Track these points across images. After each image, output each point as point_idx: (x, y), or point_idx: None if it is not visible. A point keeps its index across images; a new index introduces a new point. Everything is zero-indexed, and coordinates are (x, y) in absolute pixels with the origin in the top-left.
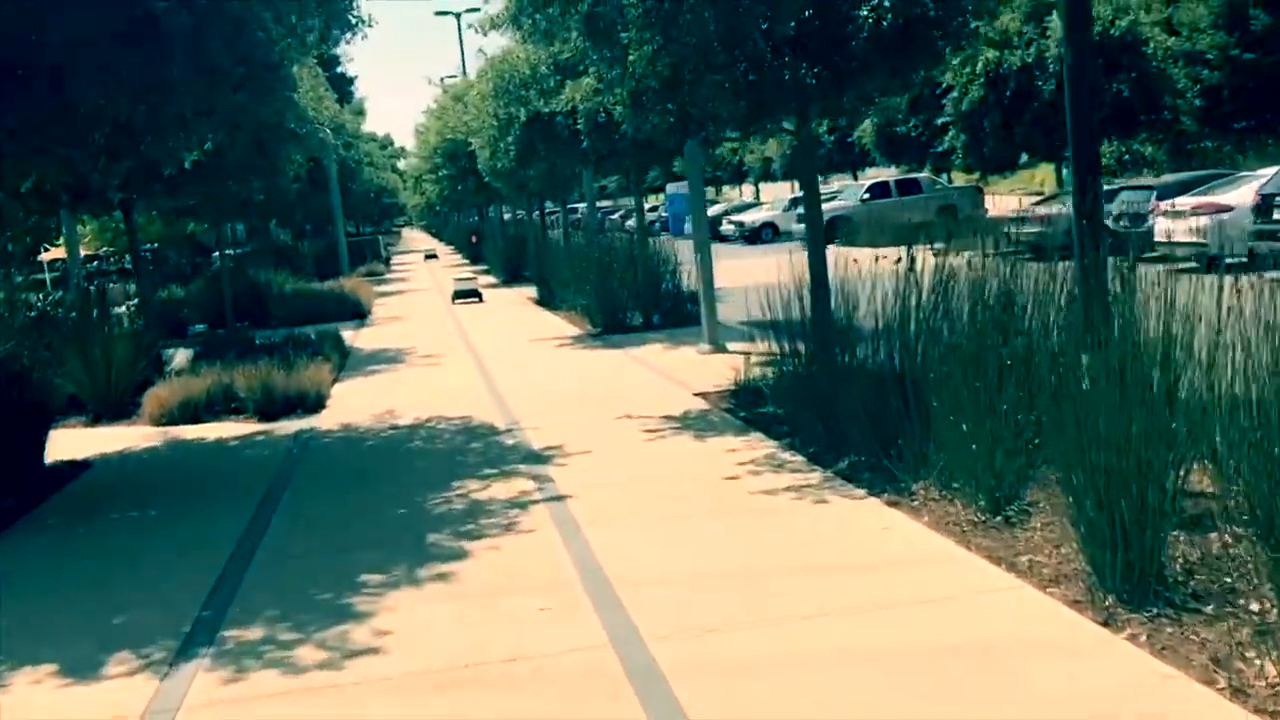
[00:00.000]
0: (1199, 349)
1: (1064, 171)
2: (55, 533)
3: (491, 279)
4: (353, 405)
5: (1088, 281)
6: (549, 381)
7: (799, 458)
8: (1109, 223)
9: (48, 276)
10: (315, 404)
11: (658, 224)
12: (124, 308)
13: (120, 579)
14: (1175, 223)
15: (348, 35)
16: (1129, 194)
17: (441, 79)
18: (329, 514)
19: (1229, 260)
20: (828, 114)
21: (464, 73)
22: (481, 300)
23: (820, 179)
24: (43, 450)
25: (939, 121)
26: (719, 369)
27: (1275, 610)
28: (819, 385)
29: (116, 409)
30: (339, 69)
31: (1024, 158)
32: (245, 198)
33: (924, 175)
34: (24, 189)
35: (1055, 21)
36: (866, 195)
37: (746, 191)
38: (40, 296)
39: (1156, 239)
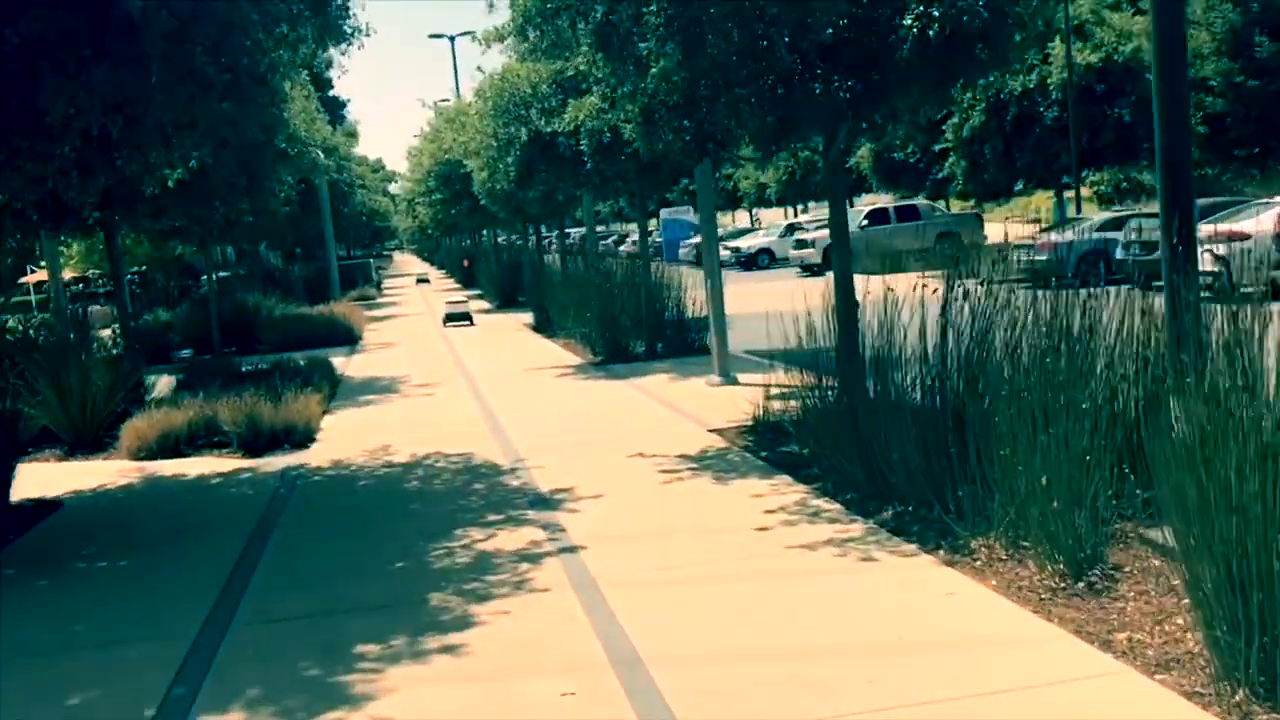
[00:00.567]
0: None
1: (1061, 199)
2: (12, 587)
3: (485, 304)
4: (344, 439)
5: (1178, 317)
6: (552, 415)
7: (835, 505)
8: (1119, 252)
9: (34, 299)
10: (304, 438)
11: (651, 249)
12: (110, 331)
13: (81, 646)
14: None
15: (342, 46)
16: (1140, 221)
17: (435, 102)
18: (319, 566)
19: (1245, 289)
20: (858, 131)
21: (458, 95)
22: (472, 323)
23: (813, 204)
24: (7, 488)
25: (937, 148)
26: (732, 402)
27: None
28: (851, 423)
29: (92, 441)
30: (331, 91)
31: (1019, 184)
32: (234, 219)
33: (921, 201)
34: None
35: (1058, 47)
36: (865, 222)
37: (740, 217)
38: (20, 320)
39: None
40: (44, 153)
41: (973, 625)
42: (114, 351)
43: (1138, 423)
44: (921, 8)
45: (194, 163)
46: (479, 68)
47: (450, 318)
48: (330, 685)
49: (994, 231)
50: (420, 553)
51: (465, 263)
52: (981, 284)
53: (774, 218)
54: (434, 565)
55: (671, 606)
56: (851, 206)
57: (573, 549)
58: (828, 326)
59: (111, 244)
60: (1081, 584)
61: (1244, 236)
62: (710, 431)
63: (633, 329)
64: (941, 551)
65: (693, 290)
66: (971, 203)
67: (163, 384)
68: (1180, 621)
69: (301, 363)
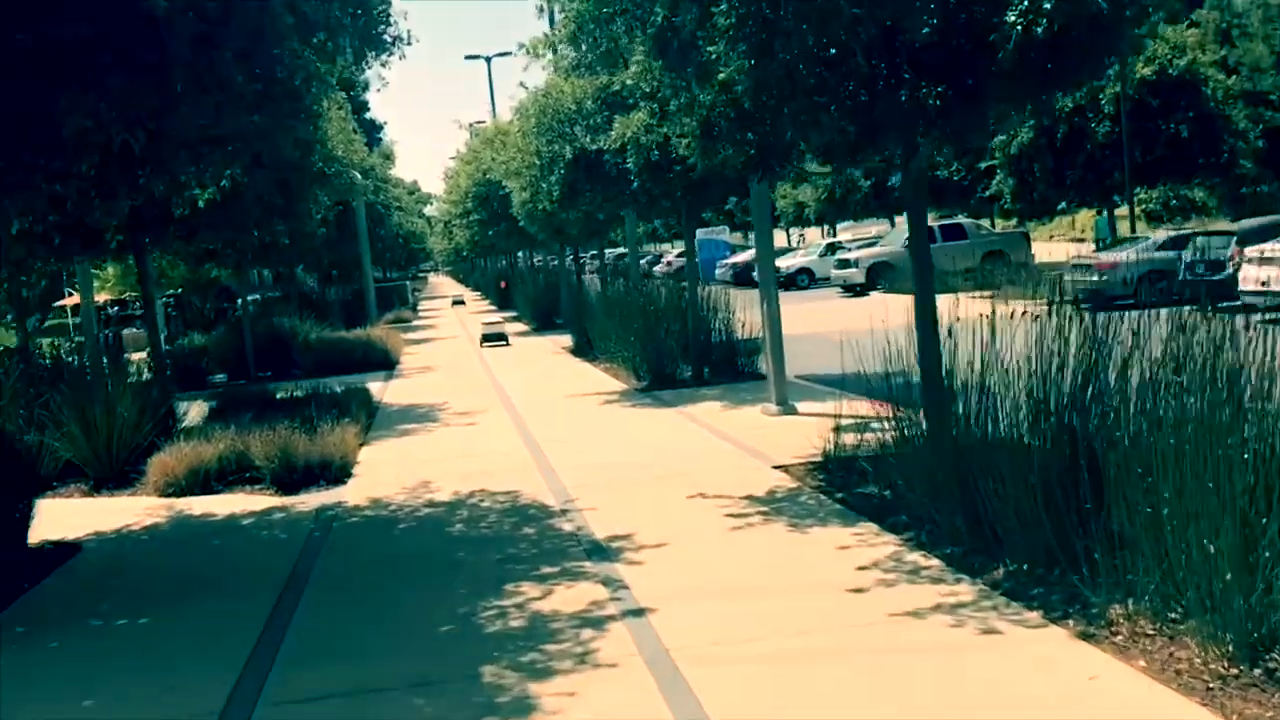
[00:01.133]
0: None
1: (1112, 217)
2: (21, 648)
3: (522, 326)
4: (382, 474)
5: None
6: (600, 447)
7: (933, 561)
8: (1182, 272)
9: (70, 322)
10: (340, 472)
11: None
12: (144, 355)
13: None
14: (1264, 270)
15: (382, 57)
16: (1203, 240)
17: (470, 124)
18: (356, 631)
19: None
20: (944, 142)
21: (494, 116)
22: (508, 343)
23: (853, 223)
24: (25, 529)
25: (982, 165)
26: (795, 434)
27: None
28: (948, 464)
29: (118, 476)
30: (368, 114)
31: (1061, 204)
32: (269, 242)
33: (966, 220)
34: (14, 230)
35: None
36: (909, 241)
37: (778, 237)
38: (51, 345)
39: (1242, 287)
40: (61, 170)
41: None
42: (143, 379)
43: None
44: (1027, 2)
45: (225, 182)
46: (521, 83)
47: (486, 338)
48: None
49: (1040, 250)
50: (469, 613)
51: (501, 284)
52: (1048, 305)
53: (816, 237)
54: (485, 629)
55: (763, 689)
56: (892, 226)
57: (639, 611)
58: (893, 351)
59: (142, 266)
60: (1259, 670)
61: None
62: (775, 468)
63: (678, 353)
64: (1071, 622)
65: (740, 312)
66: (1013, 221)
67: (194, 412)
68: None
69: (338, 390)
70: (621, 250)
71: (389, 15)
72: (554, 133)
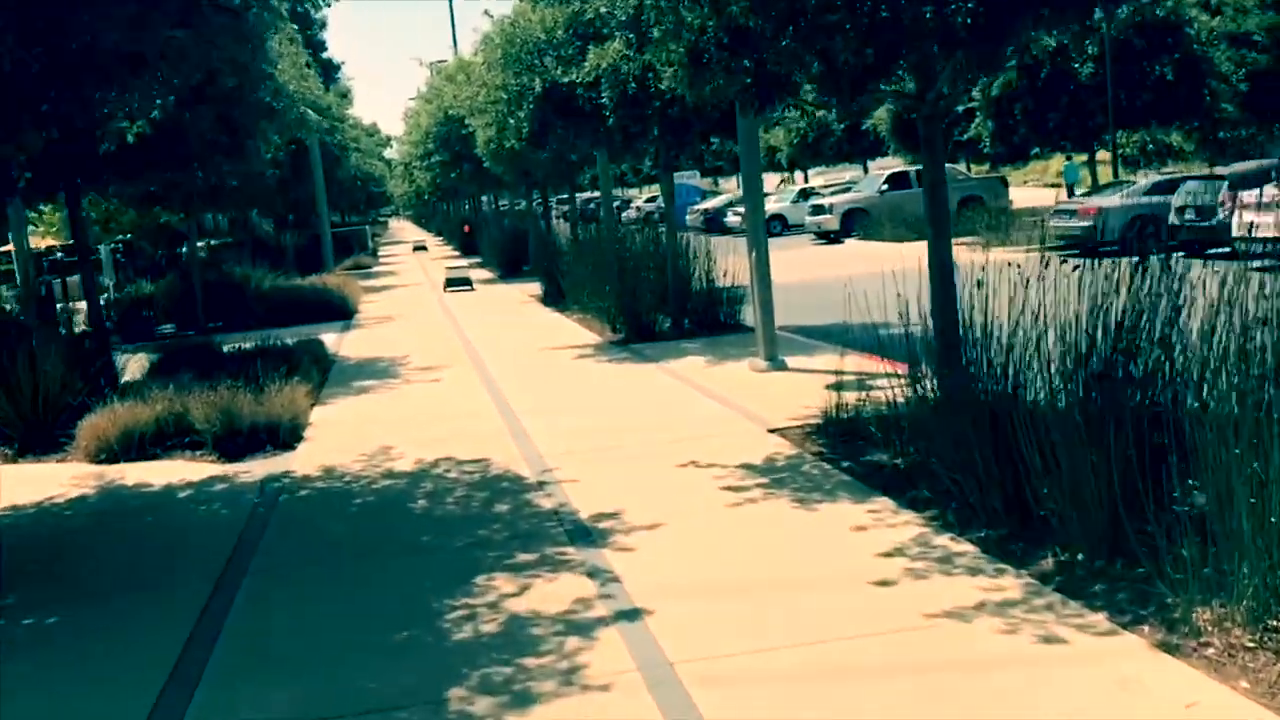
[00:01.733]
0: None
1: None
2: None
3: (488, 273)
4: (337, 438)
5: None
6: (577, 407)
7: (966, 545)
8: (1172, 217)
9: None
10: (290, 436)
11: (656, 214)
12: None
13: None
14: (1263, 216)
15: None
16: (1193, 184)
17: (433, 62)
18: (302, 634)
19: None
20: (970, 68)
21: (456, 52)
22: (472, 288)
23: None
24: None
25: (960, 108)
26: (787, 393)
27: None
28: (985, 432)
29: (46, 439)
30: (325, 54)
31: (1036, 149)
32: (215, 183)
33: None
34: None
35: None
36: (885, 186)
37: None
38: None
39: (1235, 233)
40: None
41: None
42: (77, 331)
43: None
44: None
45: (156, 114)
46: (486, 11)
47: (450, 282)
48: None
49: (1015, 196)
50: (434, 614)
51: (465, 229)
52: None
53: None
54: (453, 636)
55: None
56: (866, 171)
57: (633, 613)
58: (896, 301)
59: (74, 209)
60: None
61: None
62: (771, 432)
63: (656, 303)
64: (1147, 628)
65: (721, 260)
66: (986, 166)
67: (136, 366)
68: None
69: (290, 342)
70: (591, 195)
71: None
72: (521, 65)
